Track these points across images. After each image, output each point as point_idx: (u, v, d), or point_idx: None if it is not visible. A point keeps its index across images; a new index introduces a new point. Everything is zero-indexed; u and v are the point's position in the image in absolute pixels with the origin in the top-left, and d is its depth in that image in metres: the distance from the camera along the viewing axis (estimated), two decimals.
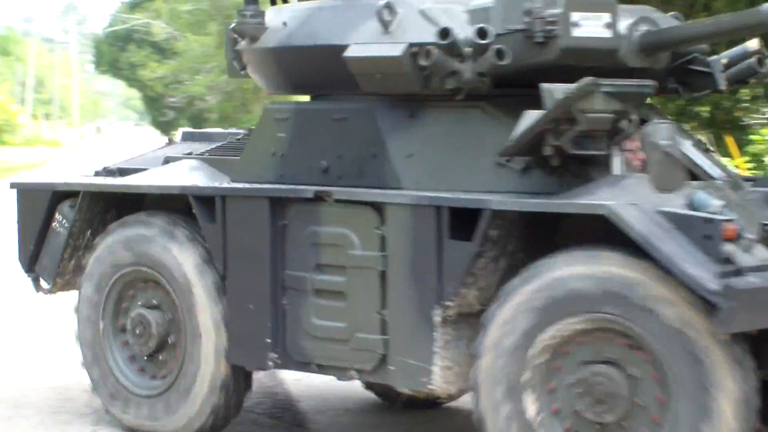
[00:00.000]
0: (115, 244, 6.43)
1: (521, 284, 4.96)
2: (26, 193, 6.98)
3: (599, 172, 5.21)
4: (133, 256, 6.36)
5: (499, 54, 5.19)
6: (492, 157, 5.42)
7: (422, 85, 5.49)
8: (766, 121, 14.48)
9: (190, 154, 6.81)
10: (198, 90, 35.28)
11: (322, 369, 5.81)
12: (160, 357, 6.43)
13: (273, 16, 6.18)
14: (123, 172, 6.95)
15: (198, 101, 36.48)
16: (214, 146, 6.91)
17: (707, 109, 13.09)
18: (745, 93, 14.76)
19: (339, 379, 5.91)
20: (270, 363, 5.93)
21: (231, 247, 6.01)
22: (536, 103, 5.47)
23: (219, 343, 6.09)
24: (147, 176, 6.57)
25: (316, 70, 5.96)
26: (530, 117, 5.03)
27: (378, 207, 5.51)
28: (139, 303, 6.45)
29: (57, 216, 6.74)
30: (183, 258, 6.17)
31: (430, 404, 6.99)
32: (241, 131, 7.36)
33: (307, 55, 5.94)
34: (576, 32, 5.21)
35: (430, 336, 5.28)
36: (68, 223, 6.65)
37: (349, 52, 5.61)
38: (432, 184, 5.52)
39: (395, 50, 5.45)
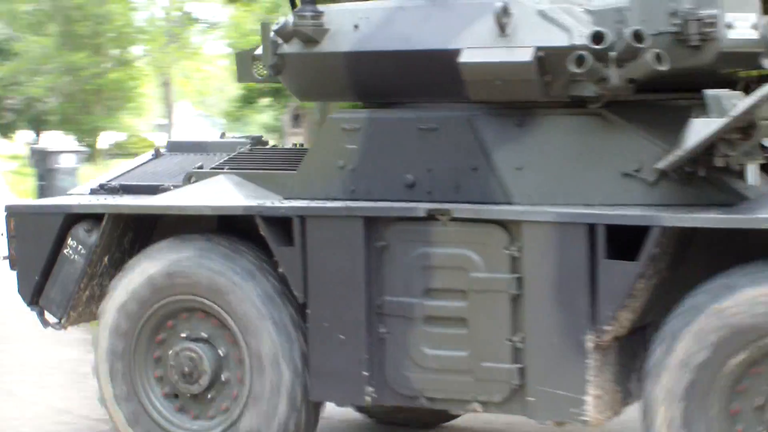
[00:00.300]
0: (155, 269, 5.70)
1: (710, 301, 4.64)
2: (28, 218, 6.05)
3: (733, 181, 4.95)
4: (180, 283, 5.65)
5: (658, 58, 4.84)
6: (616, 167, 5.07)
7: (544, 92, 5.10)
8: None
9: (201, 167, 6.11)
10: (37, 91, 33.83)
11: (433, 402, 5.31)
12: (208, 395, 5.75)
13: (335, 18, 5.61)
14: (128, 189, 6.19)
15: (37, 103, 34.88)
16: (224, 158, 6.22)
17: None
18: None
19: (452, 412, 5.42)
20: (367, 398, 5.39)
21: (314, 273, 5.42)
22: (652, 109, 5.21)
23: (292, 378, 5.49)
24: (185, 195, 5.83)
25: (401, 75, 5.45)
26: (703, 126, 4.70)
27: (505, 225, 5.07)
28: (183, 335, 5.75)
29: (70, 242, 5.90)
30: (247, 285, 5.53)
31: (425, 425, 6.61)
32: (239, 137, 6.71)
33: (392, 59, 5.42)
34: (731, 34, 4.92)
35: (582, 363, 4.90)
36: (86, 249, 5.84)
37: (465, 58, 5.13)
38: (547, 198, 5.12)
39: (523, 55, 5.03)
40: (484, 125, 5.30)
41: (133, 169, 6.53)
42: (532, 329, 5.00)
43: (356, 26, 5.54)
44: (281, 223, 5.47)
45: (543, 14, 5.12)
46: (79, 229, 5.89)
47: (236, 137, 6.82)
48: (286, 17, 5.72)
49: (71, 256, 5.89)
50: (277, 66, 5.75)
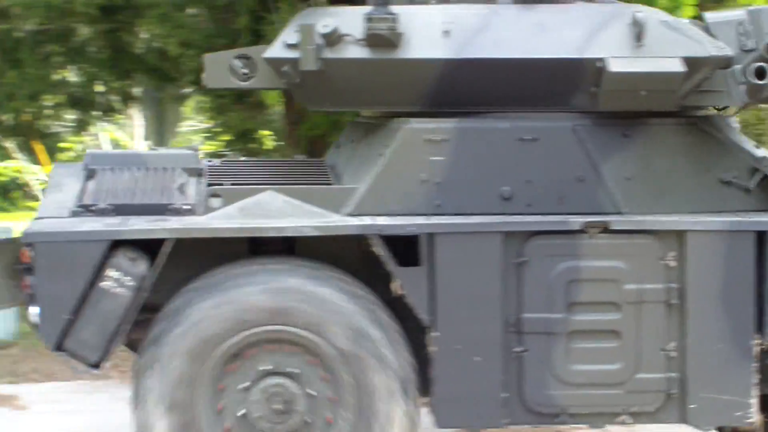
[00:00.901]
0: (242, 298, 4.98)
1: None
2: (59, 246, 4.99)
3: None
4: (276, 313, 4.99)
5: None
6: (714, 174, 5.29)
7: (676, 102, 5.18)
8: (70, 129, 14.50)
9: (218, 185, 5.38)
10: None
11: (575, 418, 5.17)
12: None
13: (407, 21, 5.26)
14: (124, 210, 5.27)
15: None
16: (245, 173, 5.57)
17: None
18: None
19: (593, 426, 5.29)
20: (505, 420, 5.13)
21: (443, 293, 5.04)
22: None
23: (405, 410, 5.06)
24: (262, 214, 5.10)
25: (500, 83, 5.25)
26: None
27: (658, 235, 5.07)
28: (264, 368, 5.05)
29: (111, 273, 4.98)
30: (350, 313, 5.04)
31: None
32: (179, 150, 5.97)
33: (496, 67, 5.21)
34: None
35: (747, 367, 5.05)
36: (135, 280, 4.99)
37: (614, 67, 5.05)
38: (654, 207, 5.21)
39: (673, 66, 5.06)
40: (590, 135, 5.24)
41: (86, 188, 5.50)
42: (695, 336, 5.05)
43: (446, 32, 5.23)
44: (391, 242, 5.05)
45: (668, 25, 5.20)
46: (122, 258, 4.95)
47: (172, 150, 6.06)
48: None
49: (113, 289, 4.97)
50: (314, 72, 5.26)
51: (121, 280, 4.94)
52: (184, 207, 5.21)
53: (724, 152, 5.30)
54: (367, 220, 5.10)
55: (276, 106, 12.73)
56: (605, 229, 5.06)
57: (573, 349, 5.09)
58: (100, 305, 4.95)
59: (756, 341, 5.05)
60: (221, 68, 5.64)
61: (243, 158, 6.29)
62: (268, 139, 14.35)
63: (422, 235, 5.03)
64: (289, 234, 5.02)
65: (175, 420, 4.97)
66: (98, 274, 4.93)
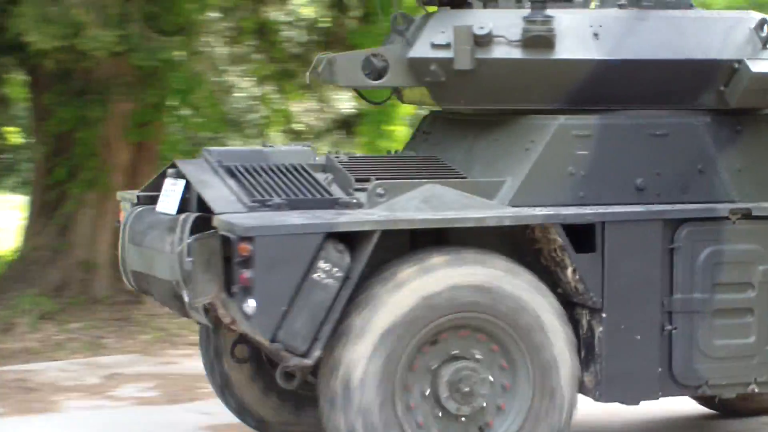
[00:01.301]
0: (450, 284, 5.20)
1: None
2: (276, 240, 4.94)
3: None
4: (471, 299, 5.25)
5: None
6: None
7: None
8: None
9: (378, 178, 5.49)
10: None
11: (713, 388, 5.72)
12: (462, 417, 5.36)
13: (561, 23, 5.71)
14: (295, 204, 5.30)
15: None
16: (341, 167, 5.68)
17: None
18: None
19: (723, 396, 5.85)
20: (658, 393, 5.61)
21: (610, 277, 5.48)
22: None
23: (573, 395, 5.50)
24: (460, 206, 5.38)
25: (645, 82, 5.80)
26: None
27: None
28: (453, 353, 5.31)
29: (322, 264, 5.03)
30: (540, 303, 5.38)
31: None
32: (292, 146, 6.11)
33: (643, 68, 5.77)
34: None
35: None
36: (342, 271, 5.08)
37: (755, 68, 5.73)
38: (759, 196, 5.90)
39: None
40: (709, 131, 5.85)
41: (243, 183, 5.44)
42: None
43: (596, 35, 5.70)
44: (572, 230, 5.46)
45: None
46: (331, 249, 5.05)
47: (290, 147, 6.11)
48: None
49: (323, 280, 5.05)
50: (465, 71, 5.63)
51: (330, 272, 5.02)
52: (353, 201, 5.36)
53: None
54: (535, 211, 5.45)
55: (22, 101, 12.57)
56: (744, 216, 5.68)
57: (715, 325, 5.65)
58: (312, 296, 5.01)
59: None
60: (353, 67, 5.81)
61: (358, 154, 6.43)
62: (13, 135, 14.08)
63: (597, 223, 5.44)
64: (490, 224, 5.31)
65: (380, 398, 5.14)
66: (311, 266, 5.01)
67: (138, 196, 6.02)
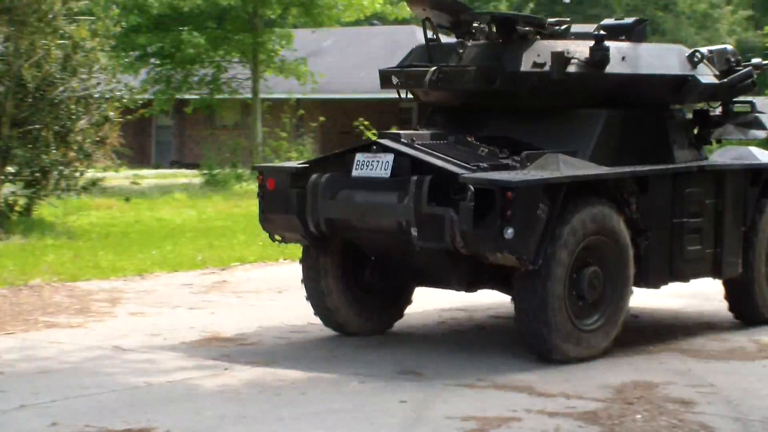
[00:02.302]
0: (585, 219, 8.09)
1: None
2: (526, 189, 7.73)
3: None
4: (596, 227, 8.17)
5: None
6: None
7: None
8: None
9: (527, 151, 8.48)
10: None
11: None
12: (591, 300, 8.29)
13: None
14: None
15: None
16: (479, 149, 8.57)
17: None
18: None
19: None
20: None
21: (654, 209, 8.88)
22: None
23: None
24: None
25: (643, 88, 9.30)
26: None
27: None
28: (590, 261, 8.26)
29: (541, 205, 7.83)
30: (621, 227, 8.39)
31: None
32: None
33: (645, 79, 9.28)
34: None
35: None
36: (547, 209, 7.89)
37: (705, 80, 9.39)
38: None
39: None
40: (669, 118, 9.37)
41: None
42: None
43: (623, 58, 9.07)
44: None
45: None
46: (544, 197, 7.85)
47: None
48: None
49: (541, 214, 7.84)
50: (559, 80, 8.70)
51: (543, 209, 7.85)
52: (517, 165, 8.41)
53: None
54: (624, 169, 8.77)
55: None
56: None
57: None
58: (537, 226, 7.82)
59: None
60: None
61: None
62: None
63: (650, 176, 8.78)
64: (625, 176, 8.69)
65: None
66: (538, 206, 7.86)
67: (296, 168, 8.77)
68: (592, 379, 7.67)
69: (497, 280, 8.53)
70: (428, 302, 10.35)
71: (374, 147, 8.45)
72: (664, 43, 18.16)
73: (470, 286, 8.65)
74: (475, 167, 8.01)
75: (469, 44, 8.81)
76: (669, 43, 16.54)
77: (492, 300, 10.24)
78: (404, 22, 46.73)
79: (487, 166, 8.11)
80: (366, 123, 24.14)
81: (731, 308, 9.78)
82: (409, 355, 8.47)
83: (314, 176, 8.52)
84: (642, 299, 10.19)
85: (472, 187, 7.69)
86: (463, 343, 9.05)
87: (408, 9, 11.88)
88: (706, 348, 8.84)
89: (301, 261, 9.13)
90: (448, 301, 10.61)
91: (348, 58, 41.53)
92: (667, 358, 8.43)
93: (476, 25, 8.93)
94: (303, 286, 9.15)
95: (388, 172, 8.24)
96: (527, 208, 7.75)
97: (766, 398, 7.17)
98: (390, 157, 8.27)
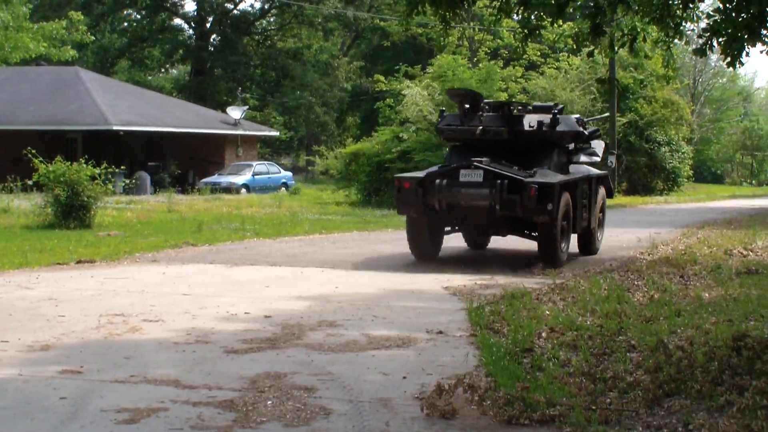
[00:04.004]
0: (567, 199, 17.26)
1: None
2: (554, 185, 16.70)
3: None
4: (566, 203, 17.13)
5: None
6: None
7: None
8: None
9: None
10: None
11: None
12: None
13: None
14: None
15: None
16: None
17: None
18: None
19: None
20: None
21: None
22: None
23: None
24: None
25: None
26: None
27: None
28: (564, 219, 17.00)
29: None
30: (572, 203, 17.66)
31: None
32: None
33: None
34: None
35: None
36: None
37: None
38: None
39: None
40: (547, 155, 18.33)
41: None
42: None
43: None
44: None
45: None
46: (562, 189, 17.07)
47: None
48: None
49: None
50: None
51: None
52: (532, 175, 17.20)
53: None
54: (591, 171, 19.27)
55: None
56: None
57: None
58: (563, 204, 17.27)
59: None
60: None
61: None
62: None
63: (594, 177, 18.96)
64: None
65: None
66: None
67: (424, 178, 17.17)
68: (230, 371, 8.81)
69: (521, 230, 17.47)
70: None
71: (472, 166, 16.74)
72: None
73: (510, 232, 17.69)
74: (524, 176, 16.51)
75: (483, 115, 17.78)
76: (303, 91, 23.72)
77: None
78: (68, 63, 51.91)
79: (525, 175, 16.49)
80: (33, 151, 25.74)
81: (580, 247, 18.86)
82: (72, 357, 9.35)
83: (437, 180, 16.82)
84: (277, 304, 11.39)
85: (534, 185, 16.20)
86: (123, 345, 10.04)
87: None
88: (327, 342, 10.15)
89: (407, 225, 17.68)
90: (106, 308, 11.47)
91: (19, 93, 47.84)
92: (294, 352, 9.68)
93: (484, 105, 18.05)
94: (407, 241, 17.88)
95: (481, 178, 16.71)
96: (558, 195, 16.45)
97: (374, 383, 8.50)
98: (481, 171, 16.71)
